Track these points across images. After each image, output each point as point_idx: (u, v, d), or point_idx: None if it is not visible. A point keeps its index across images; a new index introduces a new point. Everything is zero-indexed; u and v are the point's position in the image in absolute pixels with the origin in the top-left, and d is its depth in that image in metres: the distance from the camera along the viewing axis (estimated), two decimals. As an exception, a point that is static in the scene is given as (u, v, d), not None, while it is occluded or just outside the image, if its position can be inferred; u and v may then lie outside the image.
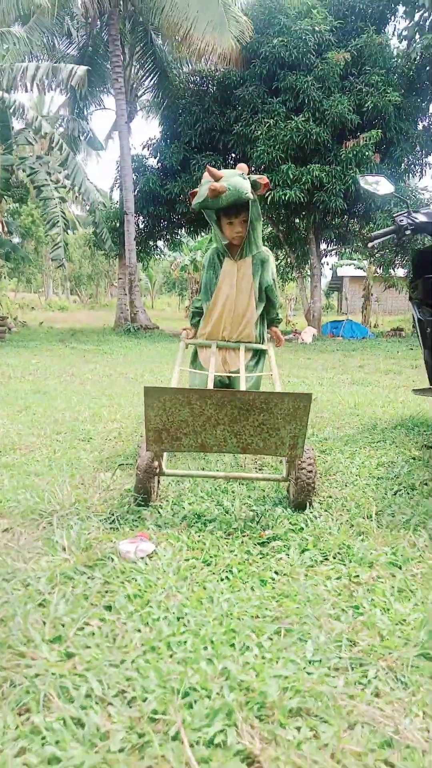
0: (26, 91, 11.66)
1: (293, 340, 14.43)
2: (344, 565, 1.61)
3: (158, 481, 2.15)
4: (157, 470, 2.08)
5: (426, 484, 2.39)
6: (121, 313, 16.34)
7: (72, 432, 3.28)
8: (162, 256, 25.08)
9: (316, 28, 13.07)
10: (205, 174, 2.59)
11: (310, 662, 1.15)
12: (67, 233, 13.70)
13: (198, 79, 15.50)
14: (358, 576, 1.54)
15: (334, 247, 19.45)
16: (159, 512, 1.99)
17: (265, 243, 18.64)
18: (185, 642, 1.21)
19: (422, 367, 3.12)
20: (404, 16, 13.94)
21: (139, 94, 17.56)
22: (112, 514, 1.94)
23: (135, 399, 4.50)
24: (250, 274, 2.77)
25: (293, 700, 1.03)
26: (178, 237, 19.95)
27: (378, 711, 1.02)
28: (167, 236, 18.54)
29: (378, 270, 20.38)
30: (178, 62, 15.95)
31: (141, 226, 16.76)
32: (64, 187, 14.44)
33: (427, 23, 12.26)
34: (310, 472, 1.98)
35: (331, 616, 1.33)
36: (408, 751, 0.93)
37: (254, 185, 2.60)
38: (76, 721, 1.00)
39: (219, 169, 2.66)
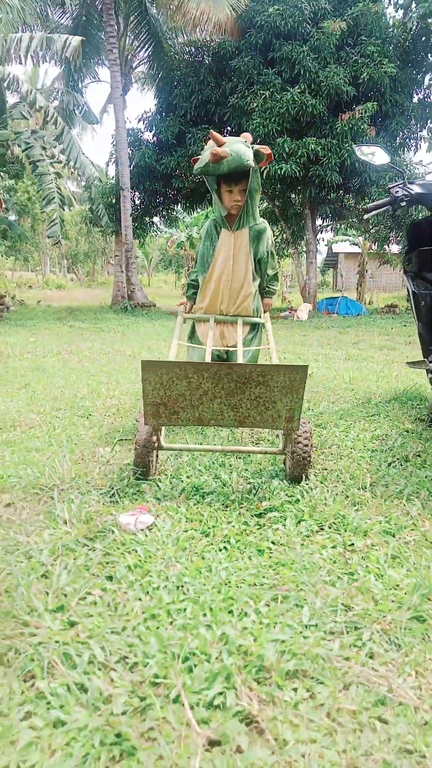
0: (20, 63, 11.41)
1: (289, 317, 14.40)
2: (339, 534, 1.64)
3: (157, 456, 2.17)
4: (156, 444, 2.10)
5: (419, 455, 2.42)
6: (118, 291, 16.24)
7: (71, 408, 3.30)
8: (158, 232, 24.86)
9: (313, -4, 12.77)
10: (210, 142, 2.56)
11: (306, 627, 1.19)
12: (63, 210, 13.52)
13: (193, 50, 15.18)
14: (353, 544, 1.57)
15: (330, 223, 19.27)
16: (158, 485, 2.01)
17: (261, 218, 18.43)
18: (185, 609, 1.25)
19: (416, 343, 3.13)
20: (402, -17, 13.61)
21: (133, 66, 17.21)
22: (112, 488, 1.97)
23: (133, 376, 4.51)
24: (247, 245, 2.76)
25: (290, 663, 1.06)
26: (174, 213, 19.73)
27: (372, 671, 1.05)
28: (163, 212, 18.34)
29: (373, 246, 20.26)
30: (173, 32, 15.58)
31: (137, 202, 16.57)
32: (60, 162, 14.20)
33: (425, -9, 11.96)
34: (306, 445, 2.00)
35: (326, 583, 1.36)
36: (401, 708, 0.96)
37: (257, 155, 2.58)
38: (80, 686, 1.03)
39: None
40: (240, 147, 2.51)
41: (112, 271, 26.85)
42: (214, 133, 2.52)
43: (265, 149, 2.58)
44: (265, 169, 12.81)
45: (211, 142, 2.54)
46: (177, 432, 2.81)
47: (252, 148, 2.57)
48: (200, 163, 2.60)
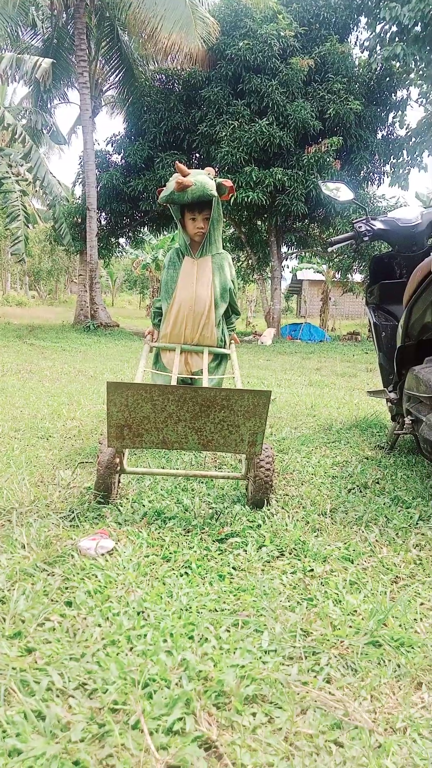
0: (-12, 81, 11.41)
1: (253, 341, 14.57)
2: (299, 560, 1.67)
3: (119, 479, 2.17)
4: (118, 467, 2.10)
5: (377, 482, 2.48)
6: (81, 310, 16.15)
7: (31, 430, 3.26)
8: (124, 253, 24.91)
9: (282, 33, 13.25)
10: (176, 174, 2.67)
11: (265, 652, 1.20)
12: (28, 227, 13.44)
13: (164, 78, 15.48)
14: (312, 570, 1.60)
15: (295, 251, 19.74)
16: (119, 510, 2.00)
17: (228, 244, 18.80)
18: (145, 635, 1.24)
19: (376, 371, 3.23)
20: (366, 27, 14.25)
21: (104, 90, 17.39)
22: (72, 512, 1.95)
23: (95, 397, 4.48)
24: (209, 273, 2.83)
25: (249, 688, 1.07)
26: (141, 235, 19.86)
27: (329, 696, 1.07)
28: (129, 234, 18.44)
29: (336, 274, 20.80)
30: (144, 59, 15.87)
31: (103, 222, 16.62)
32: (26, 180, 14.17)
33: (388, 36, 12.56)
34: (268, 470, 2.03)
35: (286, 608, 1.38)
36: (356, 731, 0.99)
37: (220, 188, 2.68)
38: (37, 713, 1.01)
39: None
40: (204, 178, 2.63)
41: (75, 289, 26.68)
42: (179, 165, 2.64)
43: (227, 182, 2.69)
44: (232, 196, 13.05)
45: (176, 174, 2.65)
46: (139, 455, 2.80)
47: (215, 180, 2.68)
48: (165, 191, 2.71)
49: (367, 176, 16.11)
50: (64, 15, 14.85)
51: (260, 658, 1.18)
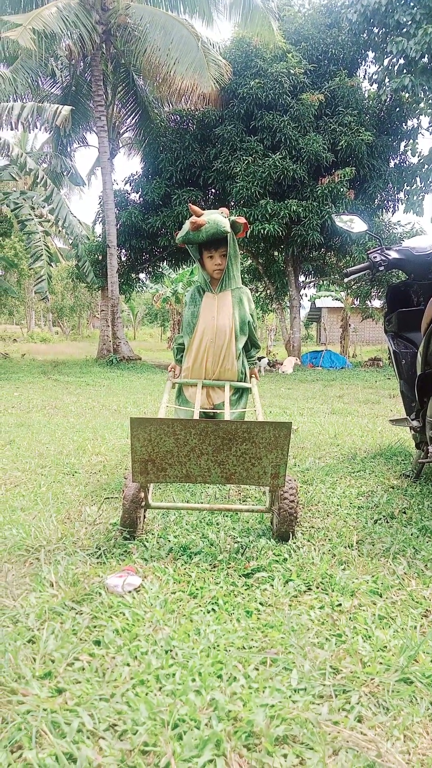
0: (11, 129, 11.90)
1: (274, 370, 14.58)
2: (327, 594, 1.65)
3: (144, 514, 2.18)
4: (143, 503, 2.12)
5: (404, 512, 2.45)
6: (104, 345, 16.39)
7: (57, 466, 3.30)
8: (144, 288, 25.34)
9: (291, 71, 13.61)
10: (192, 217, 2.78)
11: (295, 690, 1.19)
12: (51, 266, 13.80)
13: (178, 118, 15.95)
14: (340, 605, 1.58)
15: (312, 279, 19.86)
16: (145, 545, 2.01)
17: (246, 275, 19.01)
18: (174, 674, 1.24)
19: (399, 397, 3.22)
20: (374, 61, 14.58)
21: (121, 132, 17.97)
22: (99, 548, 1.97)
23: (119, 431, 4.53)
24: (230, 307, 2.89)
25: (279, 728, 1.06)
26: (160, 269, 20.21)
27: (361, 736, 1.06)
28: (149, 269, 18.78)
29: (355, 301, 20.85)
30: (159, 102, 16.40)
31: (123, 258, 16.97)
32: (48, 221, 14.61)
33: (396, 68, 12.83)
34: (293, 502, 2.03)
35: (315, 645, 1.37)
36: (390, 774, 0.97)
37: (234, 226, 2.76)
38: (68, 756, 1.02)
39: (199, 204, 2.83)
40: (217, 217, 2.73)
41: (97, 324, 27.13)
42: (193, 206, 2.74)
43: (241, 219, 2.77)
44: (247, 232, 13.27)
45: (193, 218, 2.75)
46: (163, 490, 2.81)
47: (229, 219, 2.76)
48: (182, 232, 2.82)
49: (381, 204, 16.26)
50: (82, 64, 15.49)
51: (290, 697, 1.17)
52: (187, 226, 2.76)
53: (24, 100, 13.59)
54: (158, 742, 1.03)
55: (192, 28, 13.47)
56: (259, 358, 14.02)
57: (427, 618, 1.53)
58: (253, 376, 3.10)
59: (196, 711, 1.11)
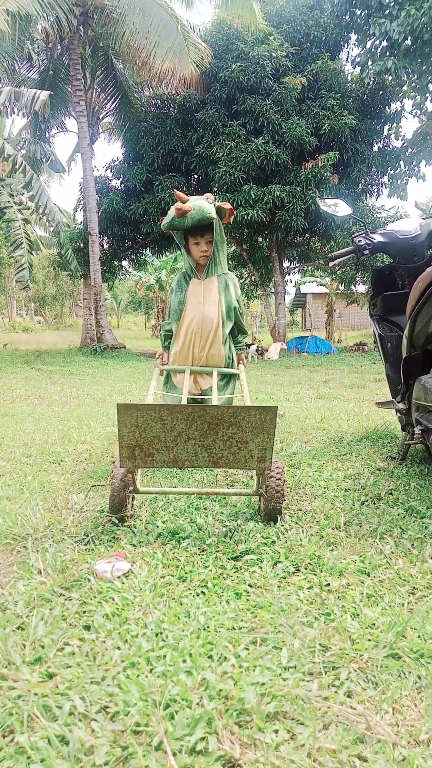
0: (-13, 114, 11.67)
1: (263, 358, 14.60)
2: (315, 574, 1.66)
3: (132, 500, 2.18)
4: (131, 488, 2.11)
5: (391, 493, 2.48)
6: (87, 334, 16.30)
7: (42, 455, 3.28)
8: (127, 275, 25.15)
9: (273, 54, 13.50)
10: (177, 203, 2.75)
11: (285, 668, 1.20)
12: (32, 254, 13.63)
13: (159, 103, 15.77)
14: (328, 584, 1.59)
15: (297, 265, 19.86)
16: (133, 531, 2.01)
17: (230, 262, 18.93)
18: (164, 656, 1.25)
19: (385, 381, 3.24)
20: (357, 43, 14.51)
21: (101, 117, 17.73)
22: (87, 535, 1.96)
23: (104, 419, 4.51)
24: (216, 292, 2.88)
25: (270, 705, 1.07)
26: (143, 257, 20.07)
27: (350, 710, 1.07)
28: (132, 256, 18.65)
29: (340, 286, 20.88)
30: (139, 86, 16.19)
31: (105, 246, 16.82)
32: (28, 208, 14.40)
33: (378, 50, 12.77)
34: (279, 479, 2.05)
35: (304, 624, 1.38)
36: (379, 745, 0.98)
37: (220, 212, 2.75)
38: (61, 738, 1.02)
39: (182, 191, 2.81)
40: (202, 203, 2.70)
41: (80, 313, 26.92)
42: (178, 192, 2.72)
43: (226, 205, 2.75)
44: (233, 217, 13.20)
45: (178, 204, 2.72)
46: (151, 476, 2.81)
47: (214, 204, 2.74)
48: (167, 219, 2.80)
49: (365, 188, 16.26)
50: (59, 47, 15.22)
51: (280, 674, 1.18)
52: (172, 212, 2.73)
53: (1, 85, 13.31)
54: (150, 722, 1.04)
55: (171, 10, 13.27)
56: (248, 345, 14.00)
57: (414, 595, 1.55)
58: (241, 362, 3.09)
59: (188, 691, 1.12)
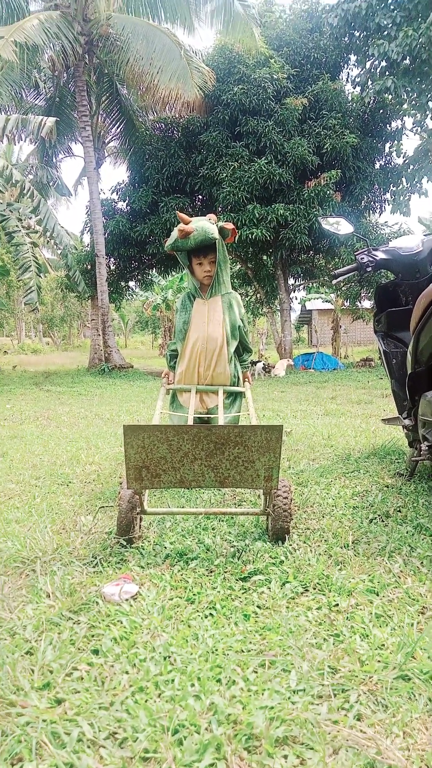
0: (-5, 141, 11.91)
1: (269, 375, 14.60)
2: (324, 594, 1.65)
3: (140, 521, 2.18)
4: (139, 509, 2.12)
5: (399, 511, 2.46)
6: (95, 354, 16.39)
7: (51, 476, 3.29)
8: (134, 296, 25.35)
9: (274, 76, 13.72)
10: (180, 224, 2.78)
11: (294, 691, 1.19)
12: (40, 277, 13.80)
13: (163, 126, 16.01)
14: (337, 605, 1.58)
15: (302, 282, 19.93)
16: (141, 553, 2.01)
17: (235, 280, 19.07)
18: (172, 680, 1.24)
19: (391, 396, 3.24)
20: (356, 64, 14.73)
21: (106, 141, 18.03)
22: (95, 557, 1.96)
23: (112, 440, 4.52)
24: (220, 312, 2.90)
25: (279, 730, 1.06)
26: (149, 277, 20.24)
27: (360, 734, 1.06)
28: (138, 276, 18.80)
29: (345, 302, 20.92)
30: (144, 110, 16.47)
31: (112, 267, 16.98)
32: (36, 232, 14.61)
33: (378, 70, 12.95)
34: (286, 498, 2.04)
35: (313, 646, 1.37)
36: (390, 771, 0.97)
37: (222, 231, 2.78)
38: (69, 765, 1.01)
39: (186, 211, 2.85)
40: (205, 223, 2.73)
41: (88, 334, 27.12)
42: (181, 214, 2.76)
43: (229, 225, 2.78)
44: (236, 237, 13.33)
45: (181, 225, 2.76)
46: (159, 496, 2.81)
47: (217, 225, 2.77)
48: (170, 240, 2.83)
49: (368, 205, 16.37)
50: (65, 75, 15.55)
51: (289, 698, 1.17)
52: (175, 233, 2.77)
53: (8, 113, 13.62)
54: (159, 749, 1.03)
55: (174, 36, 13.55)
56: (254, 363, 14.00)
57: (423, 615, 1.54)
58: (246, 380, 3.11)
59: (196, 716, 1.11)
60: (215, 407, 2.91)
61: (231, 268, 20.34)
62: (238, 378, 3.03)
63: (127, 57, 13.20)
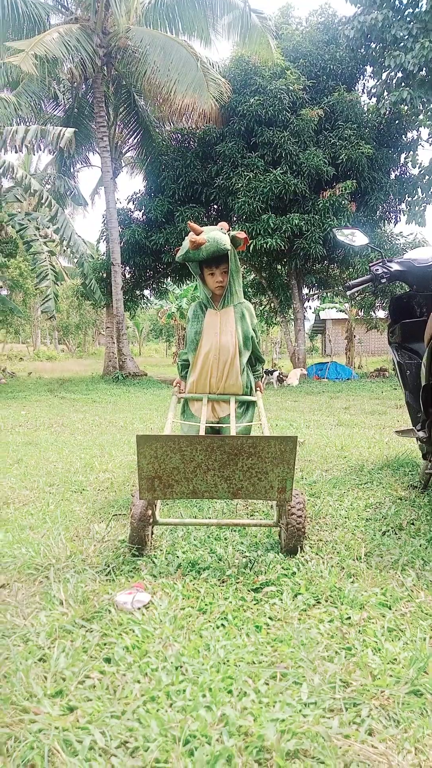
0: (15, 152, 12.10)
1: (284, 384, 14.58)
2: (336, 607, 1.65)
3: (152, 531, 2.19)
4: (151, 519, 2.12)
5: (412, 523, 2.45)
6: (110, 362, 16.50)
7: (65, 484, 3.31)
8: (149, 304, 25.50)
9: (290, 88, 13.80)
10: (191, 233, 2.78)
11: (305, 704, 1.19)
12: (56, 285, 13.95)
13: (179, 137, 16.16)
14: (349, 618, 1.58)
15: (316, 292, 19.93)
16: (154, 562, 2.02)
17: (249, 289, 19.09)
18: (184, 690, 1.25)
19: (405, 407, 3.22)
20: (372, 75, 14.78)
21: (123, 152, 18.23)
22: (108, 566, 1.97)
23: (126, 448, 4.54)
24: (233, 322, 2.91)
25: (290, 743, 1.06)
26: (164, 286, 20.34)
27: (372, 749, 1.06)
28: (153, 285, 18.92)
29: (359, 312, 20.86)
30: (161, 121, 16.65)
31: (128, 276, 17.11)
32: (53, 241, 14.79)
33: (394, 81, 12.99)
34: (300, 516, 2.03)
35: (324, 659, 1.37)
36: (401, 787, 0.97)
37: (234, 241, 2.78)
38: (80, 773, 1.02)
39: (202, 221, 2.86)
40: (216, 233, 2.71)
41: (103, 342, 27.31)
42: (192, 224, 2.74)
43: (241, 234, 2.78)
44: (251, 243, 13.40)
45: (191, 233, 2.75)
46: (171, 506, 2.82)
47: (229, 234, 2.77)
48: (182, 251, 2.80)
49: (383, 215, 16.37)
50: (84, 86, 15.78)
51: (300, 711, 1.17)
52: (186, 244, 2.75)
53: (28, 123, 13.82)
54: (170, 759, 1.04)
55: (191, 48, 13.70)
56: (270, 372, 13.95)
57: (436, 630, 1.53)
58: (258, 389, 3.10)
59: (207, 727, 1.12)
60: (226, 416, 2.91)
61: (245, 277, 20.40)
62: (251, 389, 3.03)
63: (145, 69, 13.37)
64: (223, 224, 2.88)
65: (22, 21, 13.72)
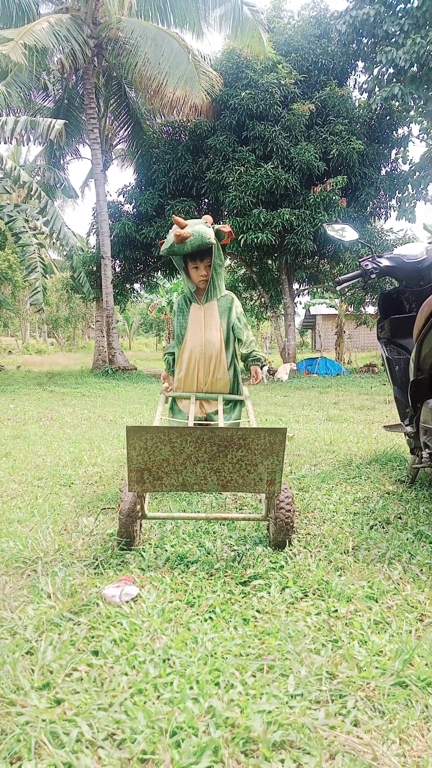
0: (5, 143, 11.97)
1: (273, 378, 14.60)
2: (323, 600, 1.66)
3: (140, 524, 2.19)
4: (140, 513, 2.12)
5: (400, 517, 2.47)
6: (99, 355, 16.43)
7: (53, 477, 3.30)
8: (139, 298, 25.39)
9: (282, 82, 13.75)
10: (174, 226, 2.78)
11: (292, 696, 1.20)
12: (45, 278, 13.85)
13: (170, 129, 16.07)
14: (336, 611, 1.59)
15: (306, 287, 19.94)
16: (142, 555, 2.02)
17: (240, 284, 19.08)
18: (171, 683, 1.25)
19: (394, 402, 3.24)
20: (364, 70, 14.77)
21: (114, 144, 18.10)
22: (96, 559, 1.97)
23: (115, 442, 4.53)
24: (217, 317, 2.91)
25: (277, 734, 1.07)
26: (155, 279, 20.26)
27: (357, 740, 1.07)
28: (144, 279, 18.83)
29: (349, 308, 20.92)
30: (151, 113, 16.54)
31: (118, 269, 17.02)
32: (42, 233, 14.67)
33: (385, 77, 12.99)
34: (289, 511, 2.04)
35: (311, 651, 1.38)
36: (385, 777, 0.98)
37: (219, 234, 2.78)
38: (68, 765, 1.02)
39: (192, 215, 2.85)
40: (201, 227, 2.71)
41: (93, 335, 27.18)
42: (177, 218, 2.74)
43: (225, 228, 2.78)
44: (242, 238, 13.39)
45: (175, 226, 2.75)
46: (160, 500, 2.82)
47: (213, 227, 2.76)
48: (166, 244, 2.80)
49: (373, 211, 16.40)
50: (74, 77, 15.63)
51: (287, 702, 1.18)
52: (171, 237, 2.75)
53: (17, 114, 13.67)
54: (157, 750, 1.04)
55: (182, 41, 13.61)
56: (263, 365, 13.95)
57: (422, 622, 1.54)
58: (255, 376, 3.06)
59: (194, 718, 1.12)
60: (214, 412, 2.92)
61: (235, 272, 20.29)
62: (238, 383, 3.03)
63: (136, 60, 13.26)
64: (207, 217, 2.88)
65: (11, 10, 13.56)
